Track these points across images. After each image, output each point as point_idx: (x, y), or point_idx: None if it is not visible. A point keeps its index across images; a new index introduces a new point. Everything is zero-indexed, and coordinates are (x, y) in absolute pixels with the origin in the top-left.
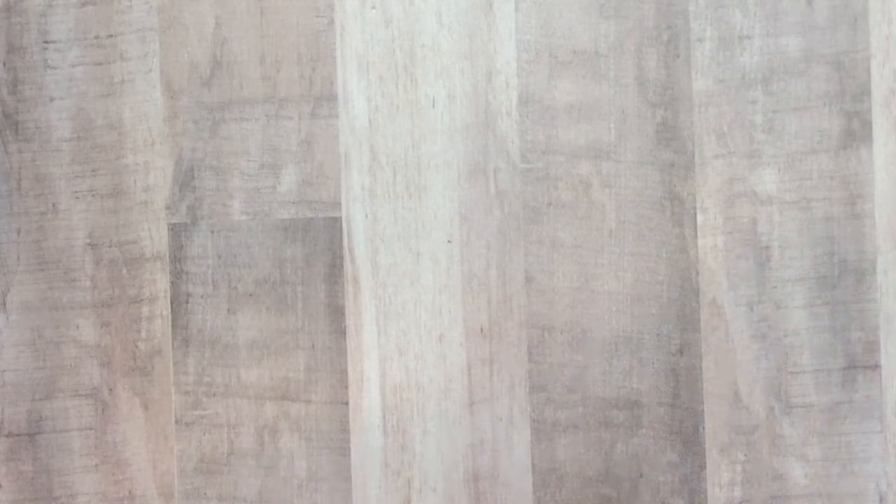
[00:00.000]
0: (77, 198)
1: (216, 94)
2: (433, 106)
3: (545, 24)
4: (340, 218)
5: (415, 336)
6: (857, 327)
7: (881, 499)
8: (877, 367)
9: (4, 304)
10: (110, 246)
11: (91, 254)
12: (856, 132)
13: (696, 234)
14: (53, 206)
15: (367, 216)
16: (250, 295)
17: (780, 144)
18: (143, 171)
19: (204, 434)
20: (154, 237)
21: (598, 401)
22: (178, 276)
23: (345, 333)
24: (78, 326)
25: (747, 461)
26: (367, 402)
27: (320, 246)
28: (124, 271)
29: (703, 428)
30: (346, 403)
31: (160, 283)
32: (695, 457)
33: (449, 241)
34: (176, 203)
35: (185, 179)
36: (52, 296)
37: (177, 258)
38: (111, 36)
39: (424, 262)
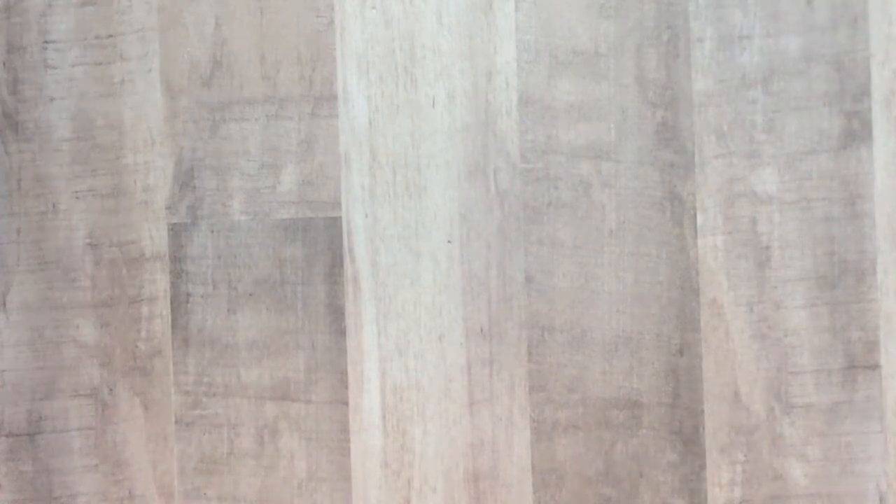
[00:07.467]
0: (77, 198)
1: (216, 94)
2: (433, 106)
3: (545, 24)
4: (340, 218)
5: (415, 336)
6: (857, 327)
7: (881, 499)
8: (877, 367)
9: (4, 304)
10: (110, 246)
11: (91, 254)
12: (856, 132)
13: (696, 234)
14: (53, 206)
15: (367, 216)
16: (250, 295)
17: (780, 144)
18: (143, 171)
19: (204, 434)
20: (154, 237)
21: (598, 401)
22: (178, 275)
23: (345, 333)
24: (78, 326)
25: (747, 461)
26: (367, 402)
27: (320, 246)
28: (124, 271)
29: (703, 428)
30: (346, 403)
31: (160, 283)
32: (695, 457)
33: (449, 241)
34: (176, 203)
35: (185, 179)
36: (52, 296)
37: (177, 258)
38: (111, 36)
39: (424, 262)
